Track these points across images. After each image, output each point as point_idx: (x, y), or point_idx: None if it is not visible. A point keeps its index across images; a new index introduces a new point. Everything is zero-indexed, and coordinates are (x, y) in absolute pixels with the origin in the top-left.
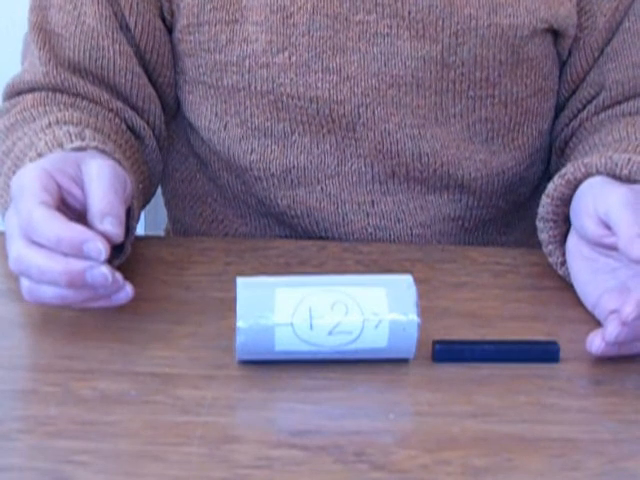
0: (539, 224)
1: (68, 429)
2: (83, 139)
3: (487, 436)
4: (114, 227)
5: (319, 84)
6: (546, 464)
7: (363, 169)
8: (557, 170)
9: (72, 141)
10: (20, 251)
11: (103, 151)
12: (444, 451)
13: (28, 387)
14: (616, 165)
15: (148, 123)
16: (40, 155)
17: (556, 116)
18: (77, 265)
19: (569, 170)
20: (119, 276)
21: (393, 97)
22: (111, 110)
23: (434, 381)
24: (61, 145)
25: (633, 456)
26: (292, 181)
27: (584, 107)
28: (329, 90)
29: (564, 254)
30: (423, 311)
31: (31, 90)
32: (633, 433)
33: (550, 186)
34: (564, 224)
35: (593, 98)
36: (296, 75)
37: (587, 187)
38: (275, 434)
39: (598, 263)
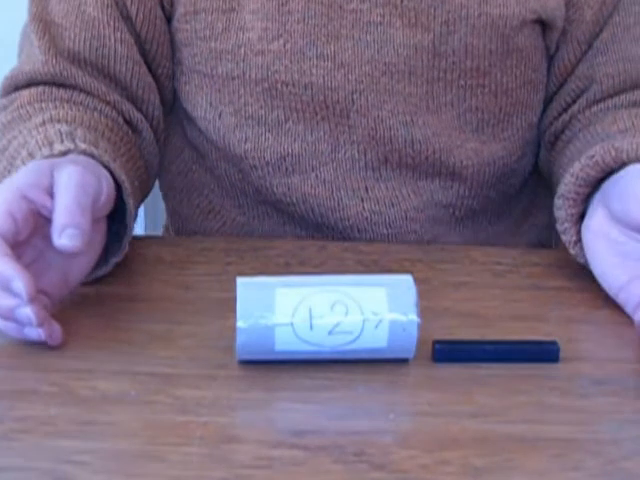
0: (558, 201)
1: (68, 429)
2: (73, 139)
3: (487, 436)
4: (71, 239)
5: (313, 70)
6: (546, 464)
7: (357, 156)
8: (547, 164)
9: (62, 141)
10: None
11: (91, 155)
12: (444, 451)
13: (28, 387)
14: None
15: (146, 115)
16: (31, 155)
17: (544, 109)
18: (6, 301)
19: (598, 152)
20: (44, 319)
21: (386, 84)
22: (108, 103)
23: (434, 381)
24: (51, 144)
25: (633, 456)
26: (287, 168)
27: (574, 101)
28: (323, 76)
29: (578, 233)
30: (423, 311)
31: (28, 84)
32: (633, 433)
33: (576, 165)
34: (582, 204)
35: (582, 92)
36: (291, 62)
37: (636, 172)
38: (275, 434)
39: (627, 247)
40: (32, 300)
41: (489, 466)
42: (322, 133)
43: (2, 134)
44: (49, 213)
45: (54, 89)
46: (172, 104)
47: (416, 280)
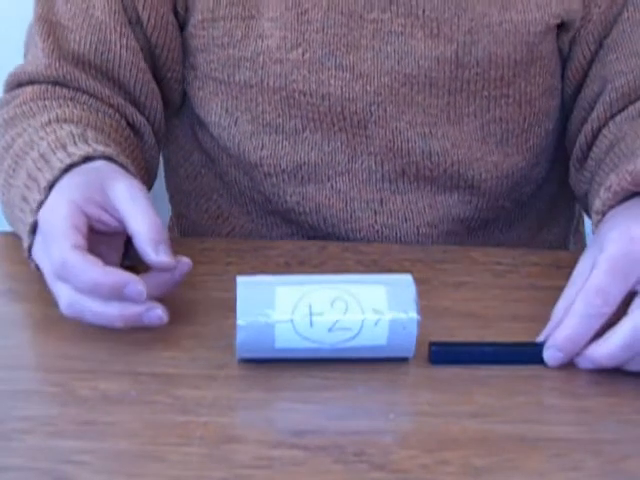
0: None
1: (68, 429)
2: (86, 140)
3: (487, 436)
4: (168, 255)
5: (332, 81)
6: (546, 464)
7: (373, 167)
8: (578, 184)
9: (75, 143)
10: (72, 298)
11: (109, 157)
12: (444, 451)
13: (28, 387)
14: None
15: (148, 119)
16: (43, 157)
17: (566, 122)
18: (133, 309)
19: (614, 182)
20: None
21: (405, 96)
22: (111, 106)
23: (434, 381)
24: (64, 147)
25: (633, 456)
26: (302, 177)
27: (591, 107)
28: (342, 87)
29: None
30: (423, 311)
31: (31, 82)
32: (633, 433)
33: (597, 202)
34: None
35: (599, 95)
36: (309, 72)
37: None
38: (275, 434)
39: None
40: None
41: (489, 466)
42: (339, 143)
43: (4, 130)
44: (103, 226)
45: (57, 88)
46: (179, 107)
47: (416, 280)
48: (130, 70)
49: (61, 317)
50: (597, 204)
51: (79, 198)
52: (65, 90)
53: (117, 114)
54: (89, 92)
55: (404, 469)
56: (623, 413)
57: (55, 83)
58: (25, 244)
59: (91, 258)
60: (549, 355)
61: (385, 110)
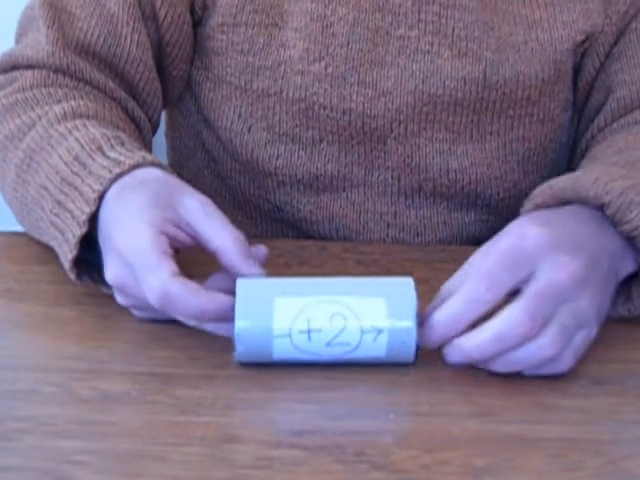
0: None
1: (68, 429)
2: (123, 144)
3: (487, 436)
4: (258, 268)
5: (353, 97)
6: (546, 464)
7: (390, 181)
8: None
9: (112, 146)
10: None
11: (159, 165)
12: (444, 451)
13: (28, 387)
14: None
15: (146, 115)
16: (77, 159)
17: (575, 131)
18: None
19: (537, 193)
20: None
21: (428, 114)
22: (114, 99)
23: (434, 381)
24: (101, 149)
25: (633, 456)
26: (318, 187)
27: (595, 117)
28: (363, 104)
29: None
30: (423, 312)
31: (30, 67)
32: (633, 433)
33: (521, 210)
34: None
35: (602, 104)
36: (331, 86)
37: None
38: (275, 434)
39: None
40: None
41: (489, 466)
42: (357, 156)
43: (3, 117)
44: (177, 243)
45: (59, 75)
46: (174, 104)
47: (416, 280)
48: (137, 67)
49: (61, 317)
50: (521, 211)
51: (156, 219)
52: (68, 79)
53: (119, 107)
54: (92, 83)
55: (404, 469)
56: (623, 413)
57: (56, 71)
58: (70, 255)
59: (193, 285)
60: (424, 334)
61: (406, 127)
